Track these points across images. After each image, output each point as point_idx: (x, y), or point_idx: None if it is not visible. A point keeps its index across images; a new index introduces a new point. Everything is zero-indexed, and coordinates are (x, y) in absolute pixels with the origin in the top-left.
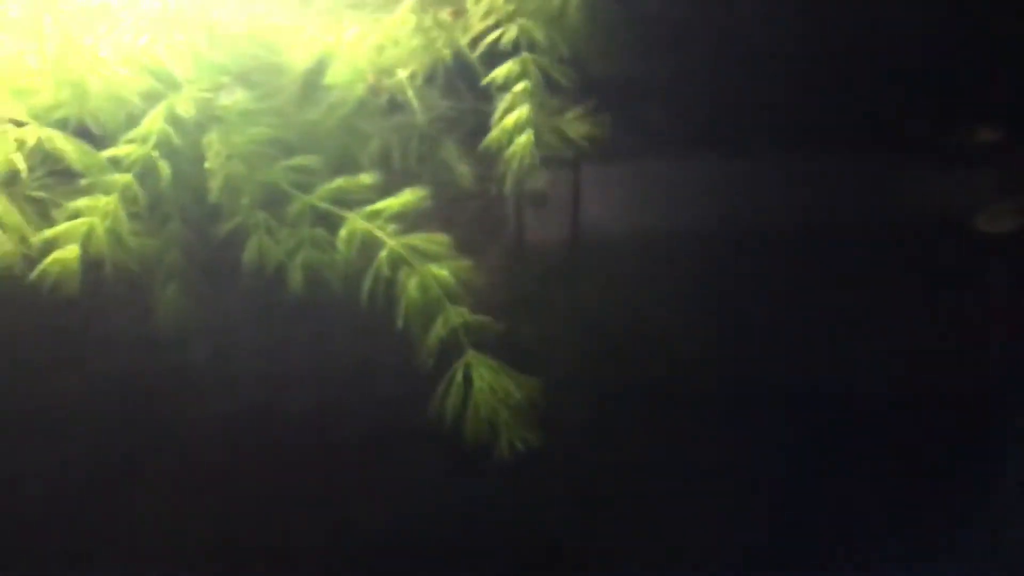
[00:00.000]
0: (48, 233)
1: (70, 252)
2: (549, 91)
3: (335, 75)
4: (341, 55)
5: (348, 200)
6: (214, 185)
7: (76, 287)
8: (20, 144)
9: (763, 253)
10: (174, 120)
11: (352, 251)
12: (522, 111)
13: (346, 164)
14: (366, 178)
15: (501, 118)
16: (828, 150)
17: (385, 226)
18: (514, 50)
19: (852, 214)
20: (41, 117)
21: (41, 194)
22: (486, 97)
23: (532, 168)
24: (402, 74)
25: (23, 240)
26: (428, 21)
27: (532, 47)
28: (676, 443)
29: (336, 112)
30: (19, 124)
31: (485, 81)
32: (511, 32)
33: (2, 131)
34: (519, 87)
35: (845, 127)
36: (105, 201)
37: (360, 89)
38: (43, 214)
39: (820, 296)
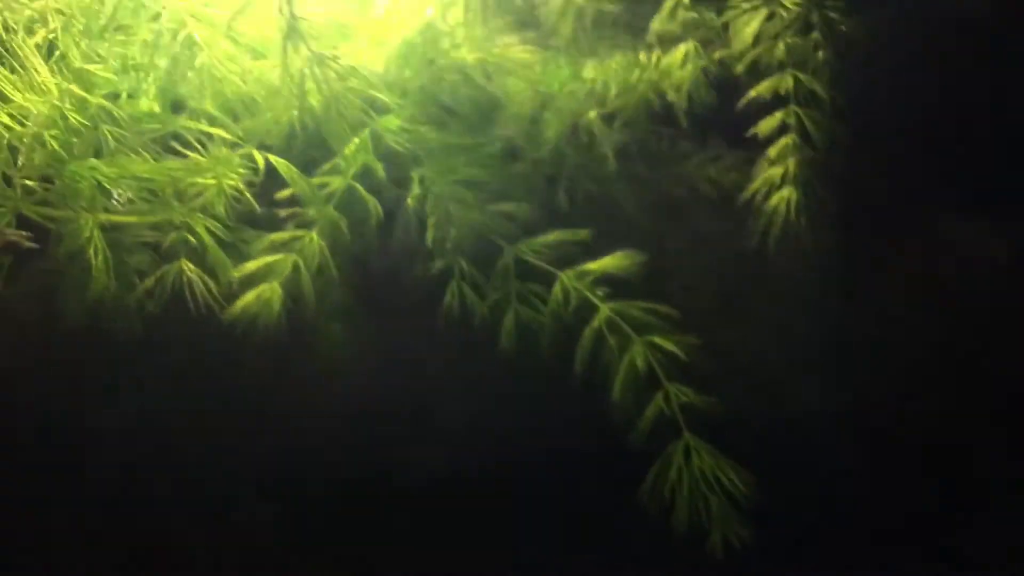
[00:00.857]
0: (248, 267)
1: (272, 291)
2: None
3: (553, 114)
4: (560, 94)
5: (554, 254)
6: (431, 224)
7: (276, 326)
8: (250, 169)
9: None
10: (380, 150)
11: (567, 312)
12: (789, 164)
13: (540, 209)
14: (582, 233)
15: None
16: None
17: (594, 288)
18: (777, 100)
19: None
20: (252, 139)
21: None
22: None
23: (796, 223)
24: (594, 115)
25: (225, 274)
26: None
27: (801, 99)
28: None
29: (537, 151)
30: (234, 146)
31: (751, 132)
32: (786, 82)
33: (228, 155)
34: (785, 140)
35: None
36: (310, 236)
37: (557, 130)
38: None
39: None
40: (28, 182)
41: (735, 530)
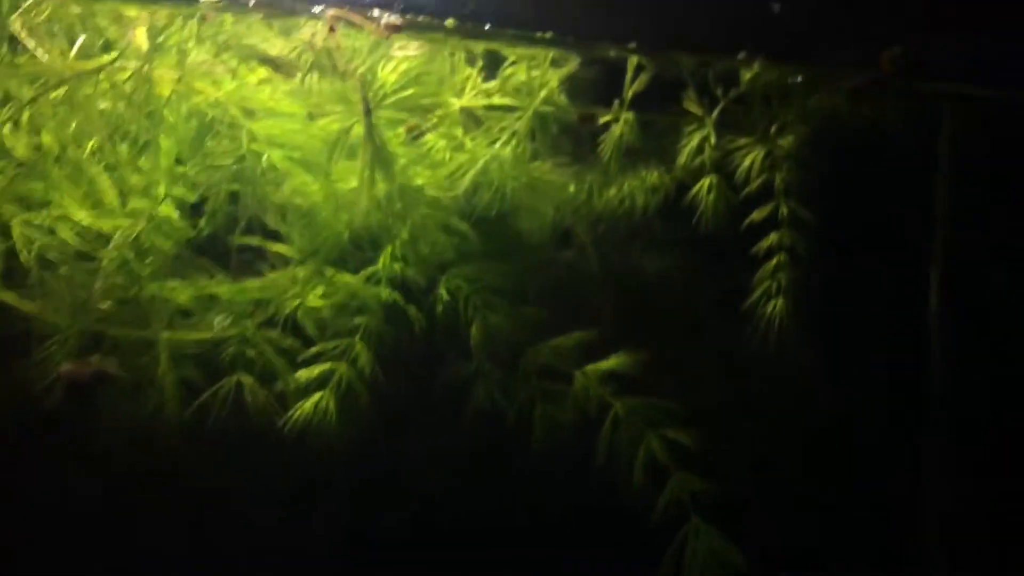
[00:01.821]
0: (300, 376)
1: (328, 400)
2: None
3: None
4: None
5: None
6: (475, 329)
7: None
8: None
9: None
10: (409, 256)
11: (589, 408)
12: (780, 278)
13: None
14: (588, 335)
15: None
16: None
17: (602, 387)
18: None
19: None
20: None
21: None
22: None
23: (788, 329)
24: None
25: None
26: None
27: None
28: None
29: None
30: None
31: (752, 251)
32: (783, 209)
33: (307, 274)
34: (777, 259)
35: None
36: (358, 344)
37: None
38: None
39: None
40: (104, 305)
41: None
